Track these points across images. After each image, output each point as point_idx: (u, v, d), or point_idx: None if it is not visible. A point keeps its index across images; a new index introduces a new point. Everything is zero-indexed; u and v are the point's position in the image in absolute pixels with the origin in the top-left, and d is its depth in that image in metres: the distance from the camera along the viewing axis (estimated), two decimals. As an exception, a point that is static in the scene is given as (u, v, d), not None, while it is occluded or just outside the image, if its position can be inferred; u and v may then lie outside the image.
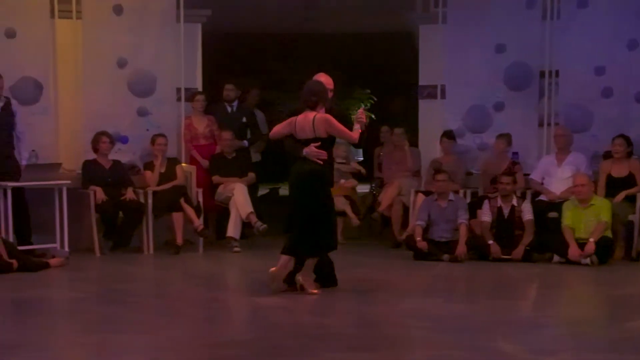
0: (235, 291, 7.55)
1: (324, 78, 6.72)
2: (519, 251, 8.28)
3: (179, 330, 5.58)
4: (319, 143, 6.45)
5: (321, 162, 6.47)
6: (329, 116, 6.48)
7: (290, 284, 6.61)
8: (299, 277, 6.51)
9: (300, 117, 6.51)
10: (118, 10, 9.12)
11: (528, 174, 9.11)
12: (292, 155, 6.59)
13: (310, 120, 6.46)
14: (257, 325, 5.76)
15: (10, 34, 8.74)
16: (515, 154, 9.29)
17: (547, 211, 8.61)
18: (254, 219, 8.89)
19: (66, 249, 8.31)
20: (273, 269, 6.54)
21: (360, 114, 6.55)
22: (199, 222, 8.89)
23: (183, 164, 9.35)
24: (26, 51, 8.77)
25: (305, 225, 6.51)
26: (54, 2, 8.91)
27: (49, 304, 6.63)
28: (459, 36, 9.44)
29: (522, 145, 9.33)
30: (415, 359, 4.92)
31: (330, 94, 6.68)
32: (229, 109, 9.81)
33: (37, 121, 8.79)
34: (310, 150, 6.44)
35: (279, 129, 6.66)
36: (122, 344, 5.21)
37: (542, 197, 8.86)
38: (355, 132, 6.49)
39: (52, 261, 7.95)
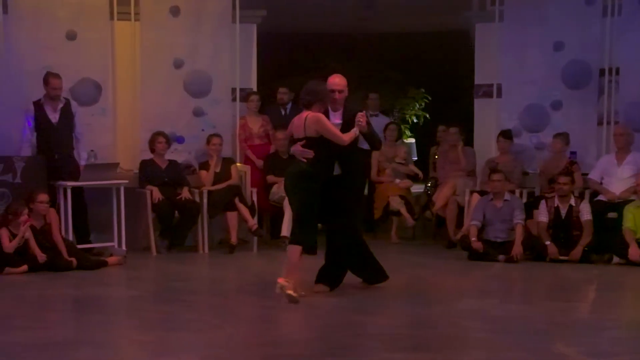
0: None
1: (337, 79, 6.64)
2: (577, 252, 8.15)
3: (235, 329, 5.62)
4: (304, 142, 6.43)
5: (305, 161, 6.43)
6: (320, 116, 6.42)
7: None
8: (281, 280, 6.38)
9: (296, 117, 6.59)
10: (175, 11, 9.23)
11: (586, 174, 8.95)
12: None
13: (303, 120, 6.47)
14: (314, 325, 5.77)
15: (71, 36, 8.91)
16: (573, 153, 9.13)
17: (606, 211, 8.46)
18: (307, 218, 8.89)
19: (123, 247, 8.43)
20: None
21: (360, 117, 6.44)
22: (253, 222, 8.93)
23: (238, 164, 9.41)
24: (86, 53, 8.94)
25: (294, 223, 6.64)
26: (114, 5, 9.06)
27: (108, 302, 6.74)
28: (515, 34, 9.32)
29: (580, 145, 9.18)
30: (471, 361, 4.87)
31: (340, 95, 6.58)
32: (283, 112, 9.85)
33: (96, 122, 8.96)
34: (296, 149, 6.45)
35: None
36: (179, 342, 5.27)
37: (601, 197, 8.69)
38: (347, 135, 6.39)
39: (110, 260, 8.07)
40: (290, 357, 4.89)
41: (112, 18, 9.08)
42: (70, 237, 8.23)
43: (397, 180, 9.80)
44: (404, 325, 5.72)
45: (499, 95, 9.54)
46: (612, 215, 8.39)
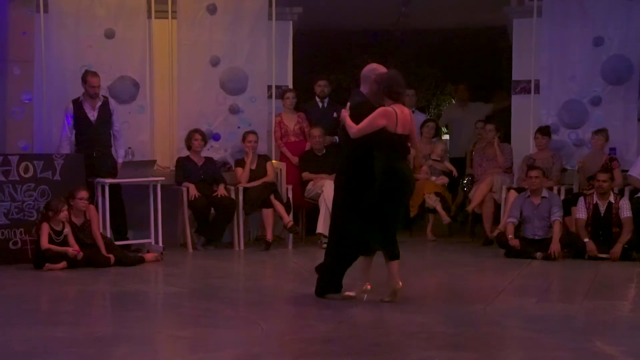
0: (326, 287, 7.55)
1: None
2: (617, 250, 8.05)
3: (271, 326, 5.63)
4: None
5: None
6: None
7: None
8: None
9: (385, 111, 6.09)
10: (212, 9, 9.26)
11: (626, 170, 8.83)
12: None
13: (408, 115, 6.20)
14: (350, 322, 5.75)
15: (110, 35, 8.99)
16: (612, 149, 9.01)
17: (647, 209, 8.33)
18: (343, 215, 8.88)
19: (160, 244, 8.48)
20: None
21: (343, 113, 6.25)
22: (288, 219, 8.95)
23: (273, 161, 9.43)
24: (124, 51, 9.01)
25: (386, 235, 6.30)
26: (151, 3, 9.11)
27: (146, 298, 6.81)
28: (554, 30, 9.21)
29: (620, 141, 9.06)
30: (511, 360, 4.83)
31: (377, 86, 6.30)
32: (321, 105, 9.84)
33: (134, 119, 9.03)
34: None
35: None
36: (216, 338, 5.30)
37: (642, 194, 8.57)
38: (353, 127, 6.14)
39: (147, 256, 8.13)
40: (326, 355, 4.88)
41: (149, 16, 9.14)
42: (108, 234, 8.31)
43: (433, 178, 9.75)
44: (441, 323, 5.67)
45: (537, 91, 9.44)
46: (652, 212, 8.27)
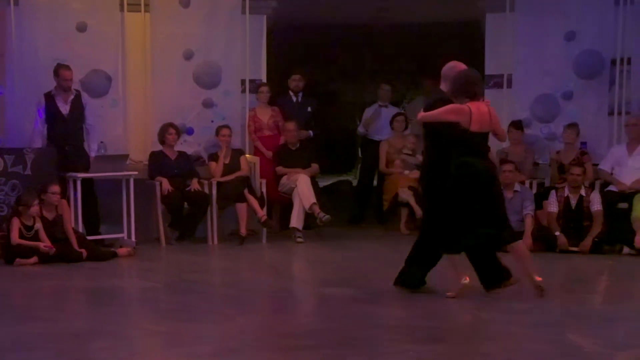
0: (302, 281, 7.58)
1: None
2: (587, 243, 8.14)
3: (248, 320, 5.63)
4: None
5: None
6: None
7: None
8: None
9: (474, 108, 6.01)
10: (185, 3, 9.19)
11: (597, 164, 8.93)
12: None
13: (487, 113, 6.09)
14: (329, 316, 5.76)
15: (82, 28, 8.90)
16: (583, 143, 9.11)
17: (617, 202, 8.45)
18: (317, 209, 8.91)
19: (133, 239, 8.43)
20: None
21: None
22: (262, 213, 8.93)
23: (247, 155, 9.41)
24: (96, 44, 8.92)
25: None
26: (124, -4, 9.05)
27: (122, 293, 6.78)
28: (527, 24, 9.26)
29: (591, 135, 9.15)
30: (491, 352, 4.85)
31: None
32: (295, 99, 9.83)
33: (106, 113, 8.95)
34: None
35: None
36: (193, 333, 5.27)
37: (612, 188, 8.67)
38: None
39: (120, 251, 8.08)
40: (303, 349, 4.88)
41: (122, 10, 9.06)
42: (81, 228, 8.24)
43: (406, 172, 9.78)
44: (420, 316, 5.70)
45: (510, 85, 9.50)
46: (622, 205, 8.37)
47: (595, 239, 8.17)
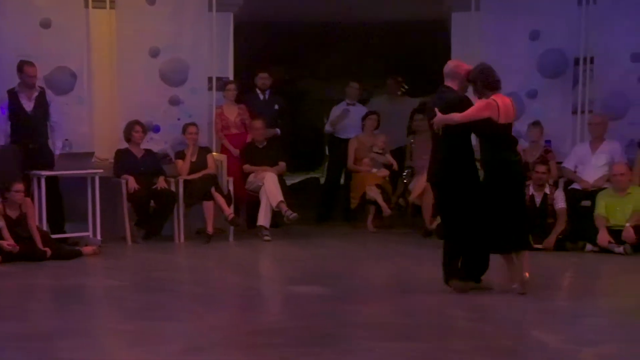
0: (269, 279, 7.59)
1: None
2: (551, 240, 8.23)
3: (216, 318, 5.62)
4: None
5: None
6: None
7: None
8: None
9: (499, 101, 6.18)
10: (150, 0, 9.14)
11: (561, 162, 9.04)
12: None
13: (510, 104, 6.26)
14: (297, 313, 5.77)
15: (46, 24, 8.78)
16: (548, 142, 9.21)
17: (581, 199, 8.56)
18: (284, 207, 8.91)
19: (98, 237, 8.36)
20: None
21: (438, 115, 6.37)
22: (230, 211, 8.90)
23: (214, 153, 9.37)
24: (61, 41, 8.80)
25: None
26: (88, -8, 8.96)
27: (88, 292, 6.71)
28: (492, 23, 9.31)
29: (555, 133, 9.25)
30: (457, 349, 4.91)
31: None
32: (262, 97, 9.82)
33: (72, 111, 8.84)
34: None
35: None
36: (160, 332, 5.26)
37: (575, 186, 8.79)
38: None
39: (85, 249, 8.01)
40: (273, 347, 4.88)
41: (87, 6, 8.96)
42: (45, 226, 8.14)
43: (374, 170, 9.82)
44: (389, 314, 5.74)
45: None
46: (585, 203, 8.48)
47: (559, 237, 8.26)
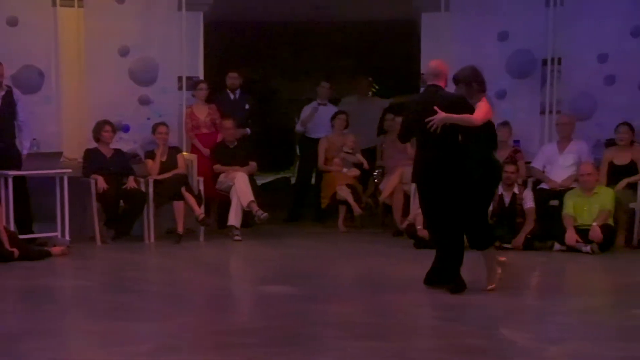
0: (240, 279, 7.57)
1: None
2: (520, 239, 8.30)
3: (187, 318, 5.59)
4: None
5: None
6: None
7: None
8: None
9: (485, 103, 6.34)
10: (120, -2, 9.10)
11: (529, 162, 9.13)
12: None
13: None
14: (268, 313, 5.75)
15: (12, 22, 8.71)
16: (516, 142, 9.30)
17: (549, 199, 8.65)
18: (255, 207, 8.90)
19: (67, 237, 8.29)
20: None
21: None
22: (200, 211, 8.88)
23: (184, 153, 9.34)
24: (28, 39, 8.75)
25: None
26: (56, -9, 8.88)
27: (56, 292, 6.64)
28: (462, 24, 9.37)
29: (523, 133, 9.34)
30: (427, 348, 4.93)
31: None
32: (232, 97, 9.80)
33: (39, 110, 8.78)
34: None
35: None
36: (130, 332, 5.22)
37: (544, 185, 8.89)
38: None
39: (54, 250, 7.93)
40: (244, 347, 4.86)
41: (54, 4, 8.90)
42: (12, 227, 8.05)
43: (345, 170, 9.84)
44: (359, 313, 5.74)
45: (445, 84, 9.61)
46: (554, 203, 8.56)
47: (528, 236, 8.33)
